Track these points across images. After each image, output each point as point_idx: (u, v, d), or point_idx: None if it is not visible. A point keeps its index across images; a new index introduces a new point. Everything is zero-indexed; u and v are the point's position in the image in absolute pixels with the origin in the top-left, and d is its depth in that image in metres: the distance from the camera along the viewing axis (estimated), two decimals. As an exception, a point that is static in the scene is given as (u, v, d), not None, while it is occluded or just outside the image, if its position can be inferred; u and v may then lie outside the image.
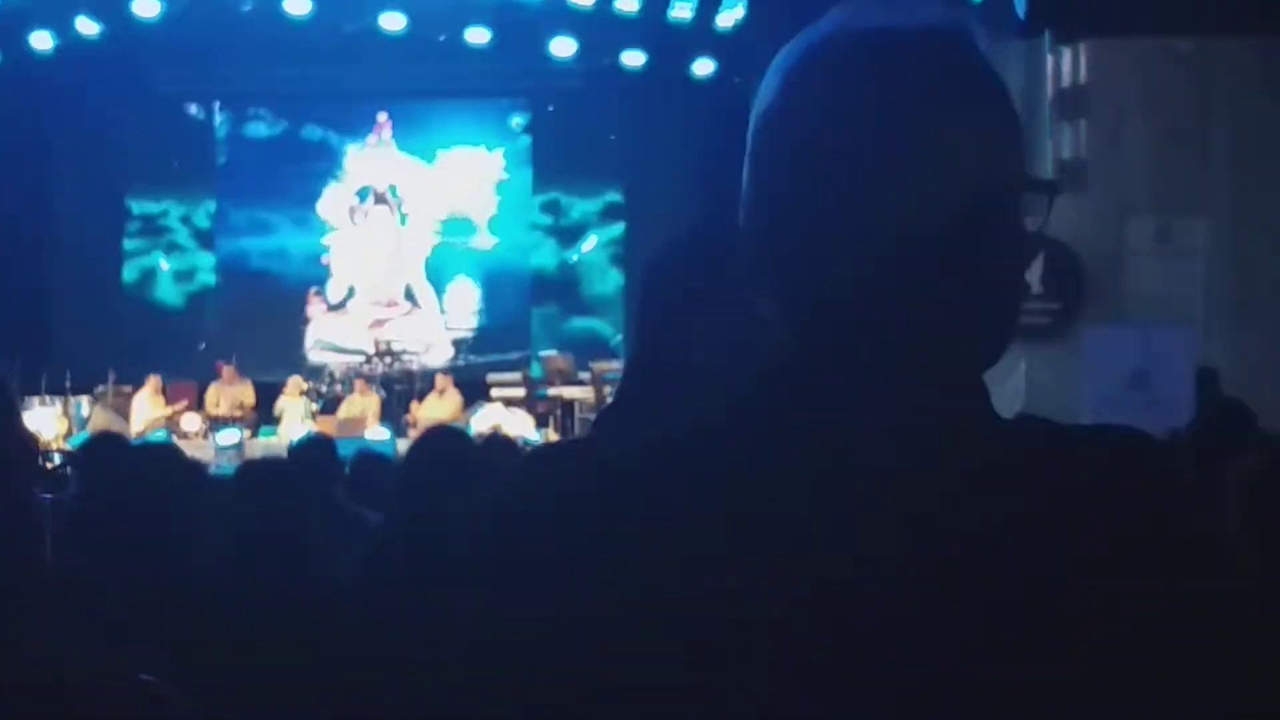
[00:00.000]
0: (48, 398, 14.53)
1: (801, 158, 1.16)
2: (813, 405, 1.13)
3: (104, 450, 4.64)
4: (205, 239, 18.56)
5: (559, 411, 14.98)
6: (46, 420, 13.87)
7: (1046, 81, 13.02)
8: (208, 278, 18.56)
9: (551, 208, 18.51)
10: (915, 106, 1.15)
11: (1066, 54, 13.09)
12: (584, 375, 15.12)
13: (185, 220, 18.60)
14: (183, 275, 18.62)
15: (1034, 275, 13.21)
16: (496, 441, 6.59)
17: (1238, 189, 13.48)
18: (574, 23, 15.93)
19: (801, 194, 1.16)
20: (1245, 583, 1.17)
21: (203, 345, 15.83)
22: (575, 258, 18.34)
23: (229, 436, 14.37)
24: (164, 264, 18.49)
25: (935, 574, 1.07)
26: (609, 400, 11.15)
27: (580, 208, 18.45)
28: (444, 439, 4.72)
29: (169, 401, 15.48)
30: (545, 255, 18.47)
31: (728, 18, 15.36)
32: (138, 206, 18.57)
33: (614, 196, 18.25)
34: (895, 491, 1.09)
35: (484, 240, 18.40)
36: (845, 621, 1.06)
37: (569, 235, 18.44)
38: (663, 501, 1.12)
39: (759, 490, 1.11)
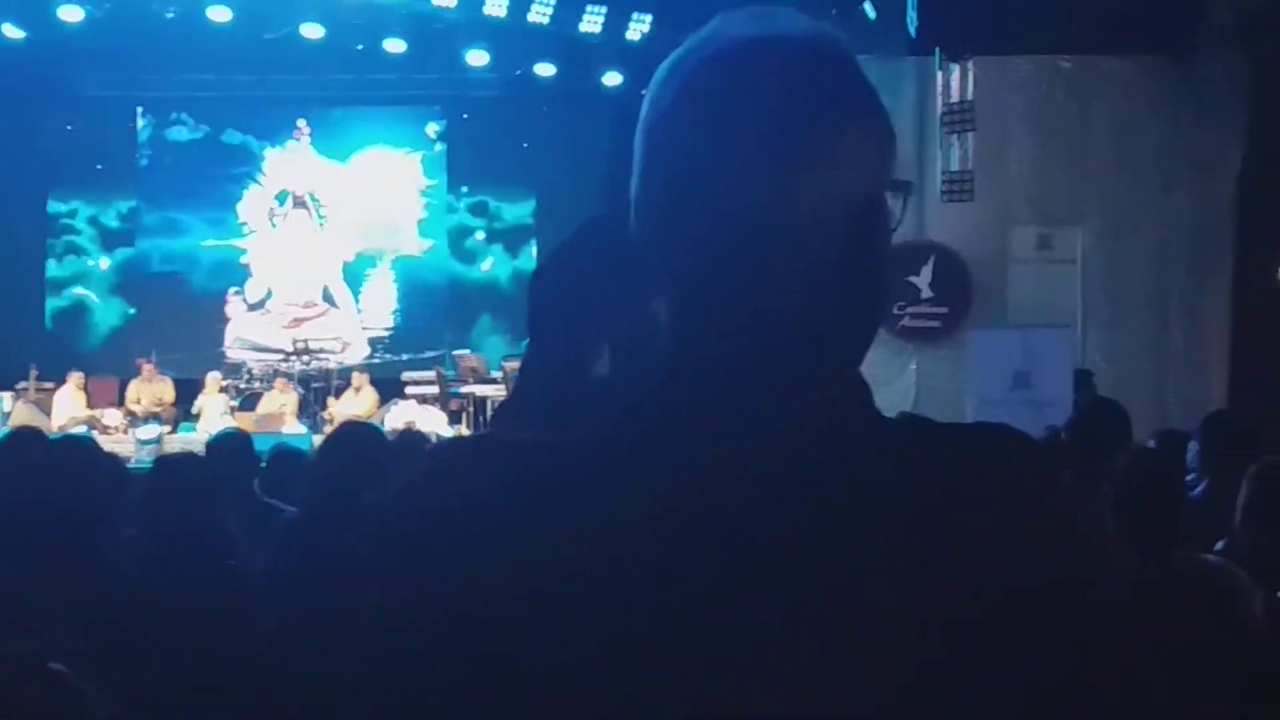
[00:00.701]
0: (-29, 393, 14.35)
1: (684, 159, 1.17)
2: (701, 404, 1.13)
3: (24, 444, 4.58)
4: (128, 239, 18.34)
5: (471, 409, 14.93)
6: (-33, 415, 13.69)
7: (936, 97, 13.14)
8: (130, 278, 18.35)
9: (466, 212, 18.46)
10: (787, 109, 1.16)
11: (955, 71, 13.22)
12: (496, 374, 15.09)
13: (108, 221, 18.37)
14: (106, 275, 18.39)
15: (924, 281, 13.39)
16: (410, 437, 6.56)
17: (1114, 200, 13.67)
18: (488, 34, 15.91)
19: (682, 193, 1.16)
20: (1119, 572, 1.18)
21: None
22: (485, 267, 18.31)
23: (148, 431, 14.21)
24: (102, 263, 18.27)
25: (817, 567, 1.07)
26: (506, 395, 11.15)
27: (496, 213, 18.42)
28: (355, 435, 4.70)
29: (90, 398, 15.30)
30: (461, 259, 18.40)
31: (635, 30, 15.40)
32: (61, 207, 18.32)
33: (529, 205, 18.23)
34: (781, 487, 1.09)
35: (400, 243, 18.32)
36: (731, 613, 1.07)
37: (485, 239, 18.39)
38: (554, 496, 1.12)
39: (649, 486, 1.11)
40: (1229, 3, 12.48)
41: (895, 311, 13.20)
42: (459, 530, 1.13)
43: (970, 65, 13.21)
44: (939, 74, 13.18)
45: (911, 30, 13.45)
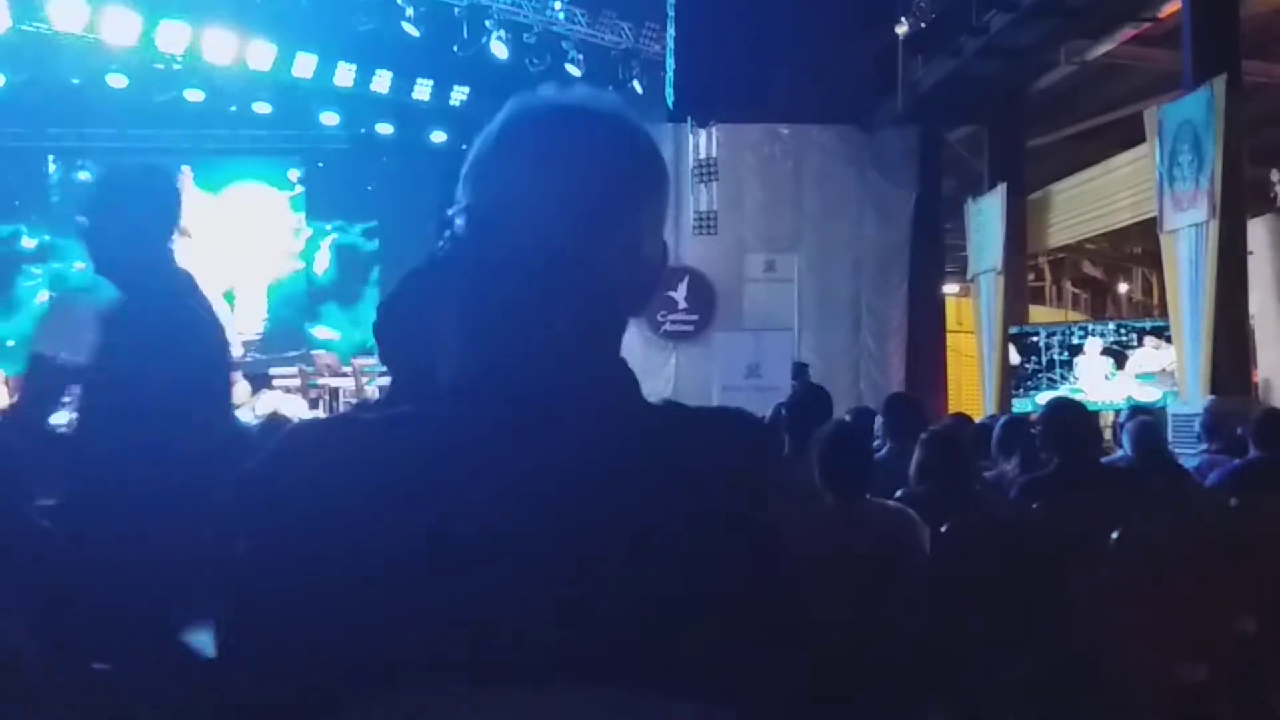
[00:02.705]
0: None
1: (495, 194, 1.16)
2: (504, 391, 1.12)
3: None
4: (40, 262, 17.57)
5: (327, 397, 14.63)
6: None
7: (688, 154, 13.26)
8: (43, 293, 17.57)
9: (322, 239, 18.10)
10: (583, 163, 1.16)
11: (703, 134, 13.36)
12: (347, 369, 14.80)
13: (22, 247, 17.57)
14: (23, 290, 17.58)
15: (680, 295, 13.51)
16: (275, 420, 6.39)
17: (821, 234, 13.95)
18: (338, 99, 15.65)
19: (492, 221, 1.15)
20: (823, 515, 1.21)
21: None
22: (323, 274, 17.95)
23: (59, 418, 13.57)
24: (13, 280, 17.43)
25: (601, 525, 1.07)
26: (368, 391, 10.92)
27: (346, 241, 18.09)
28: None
29: (9, 392, 14.58)
30: (318, 276, 18.02)
31: (457, 98, 15.28)
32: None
33: (374, 236, 17.93)
34: (569, 453, 1.09)
35: (269, 263, 17.87)
36: (523, 553, 1.06)
37: (337, 261, 18.05)
38: (385, 458, 1.10)
39: (462, 451, 1.09)
40: (904, 90, 12.88)
41: (659, 319, 13.31)
42: (314, 489, 1.10)
43: (714, 130, 13.38)
44: (690, 136, 13.31)
45: (669, 103, 13.59)
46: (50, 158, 17.52)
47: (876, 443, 5.52)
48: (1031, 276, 16.15)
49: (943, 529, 3.82)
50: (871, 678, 3.48)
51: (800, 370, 11.58)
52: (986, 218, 13.04)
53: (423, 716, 1.02)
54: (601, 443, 1.11)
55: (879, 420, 5.90)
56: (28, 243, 17.65)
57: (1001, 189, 12.68)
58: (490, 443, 1.09)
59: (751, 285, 13.82)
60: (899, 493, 4.31)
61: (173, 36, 14.06)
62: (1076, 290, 20.49)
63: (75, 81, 15.00)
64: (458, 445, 1.09)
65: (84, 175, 17.37)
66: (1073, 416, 4.60)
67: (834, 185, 13.87)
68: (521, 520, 1.06)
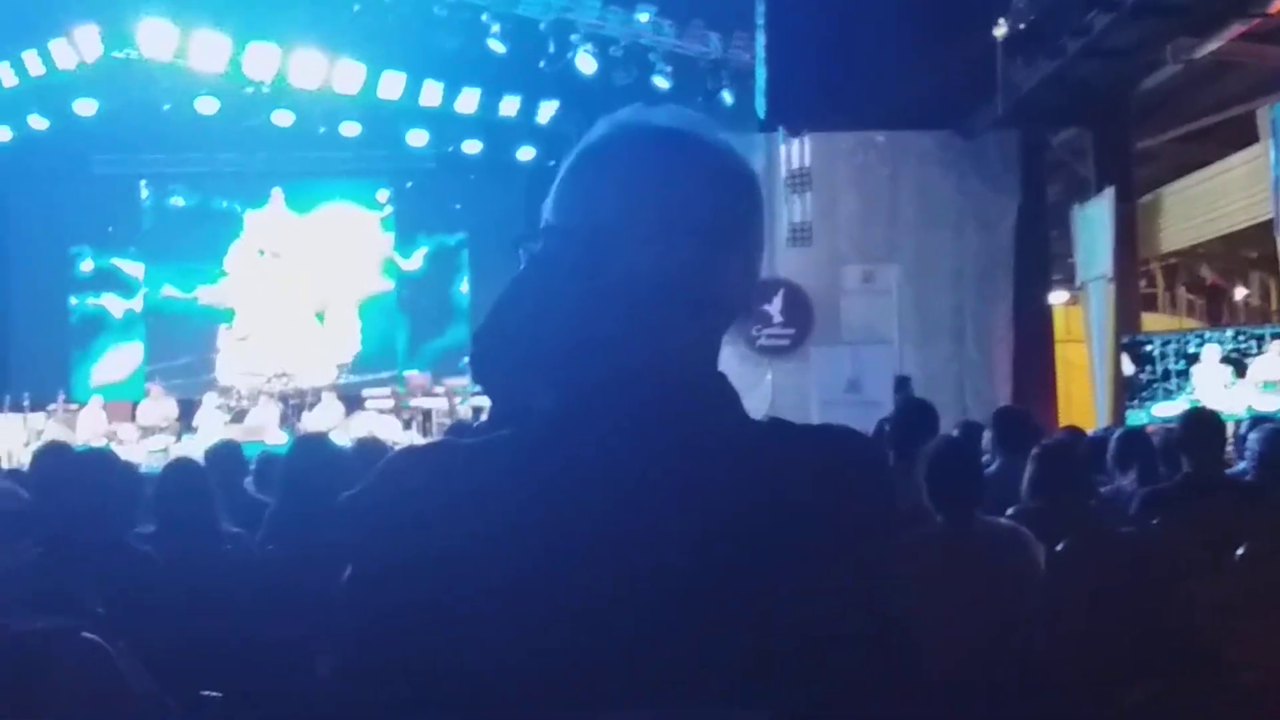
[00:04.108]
0: (10, 414, 13.96)
1: (584, 216, 1.17)
2: (608, 413, 1.13)
3: (56, 455, 4.46)
4: (136, 287, 18.04)
5: (420, 418, 14.81)
6: (9, 432, 13.29)
7: (780, 164, 13.21)
8: (138, 318, 18.04)
9: (412, 258, 18.34)
10: (680, 183, 1.16)
11: (795, 144, 13.31)
12: (439, 390, 14.97)
13: (119, 272, 18.05)
14: (118, 316, 18.06)
15: (775, 308, 13.45)
16: (369, 443, 6.47)
17: (919, 244, 13.81)
18: (425, 118, 15.85)
19: (580, 246, 1.16)
20: (932, 536, 1.19)
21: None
22: (413, 293, 18.15)
23: (157, 443, 13.92)
24: (115, 306, 17.93)
25: (707, 547, 1.07)
26: (460, 411, 11.05)
27: (436, 259, 18.31)
28: (309, 445, 4.65)
29: (109, 416, 14.98)
30: (409, 296, 18.25)
31: (544, 114, 15.40)
32: (81, 262, 17.97)
33: (463, 253, 18.13)
34: (678, 472, 1.09)
35: (361, 284, 18.15)
36: (640, 571, 1.06)
37: (428, 281, 18.26)
38: (485, 484, 1.11)
39: (568, 472, 1.10)
40: (1004, 94, 12.71)
41: (753, 333, 13.27)
42: (418, 514, 1.12)
43: (806, 140, 13.31)
44: (782, 146, 13.26)
45: (760, 113, 13.55)
46: (142, 183, 18.01)
47: (986, 458, 5.44)
48: (1143, 283, 15.82)
49: (1059, 547, 3.75)
50: (986, 702, 3.43)
51: (902, 384, 11.45)
52: (1094, 223, 12.82)
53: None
54: (706, 462, 1.11)
55: (988, 435, 5.82)
56: (121, 266, 18.12)
57: (1109, 193, 12.45)
58: (592, 465, 1.10)
59: (849, 297, 13.71)
60: (1011, 510, 4.24)
61: (261, 60, 14.36)
62: (1191, 296, 20.02)
63: (166, 107, 15.41)
64: (559, 468, 1.10)
65: (177, 200, 17.85)
66: (1210, 427, 4.51)
67: (932, 193, 13.73)
68: (625, 542, 1.06)
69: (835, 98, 12.88)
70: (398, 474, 1.16)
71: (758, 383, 13.24)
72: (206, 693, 3.05)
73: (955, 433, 6.06)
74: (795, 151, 13.25)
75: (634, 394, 1.12)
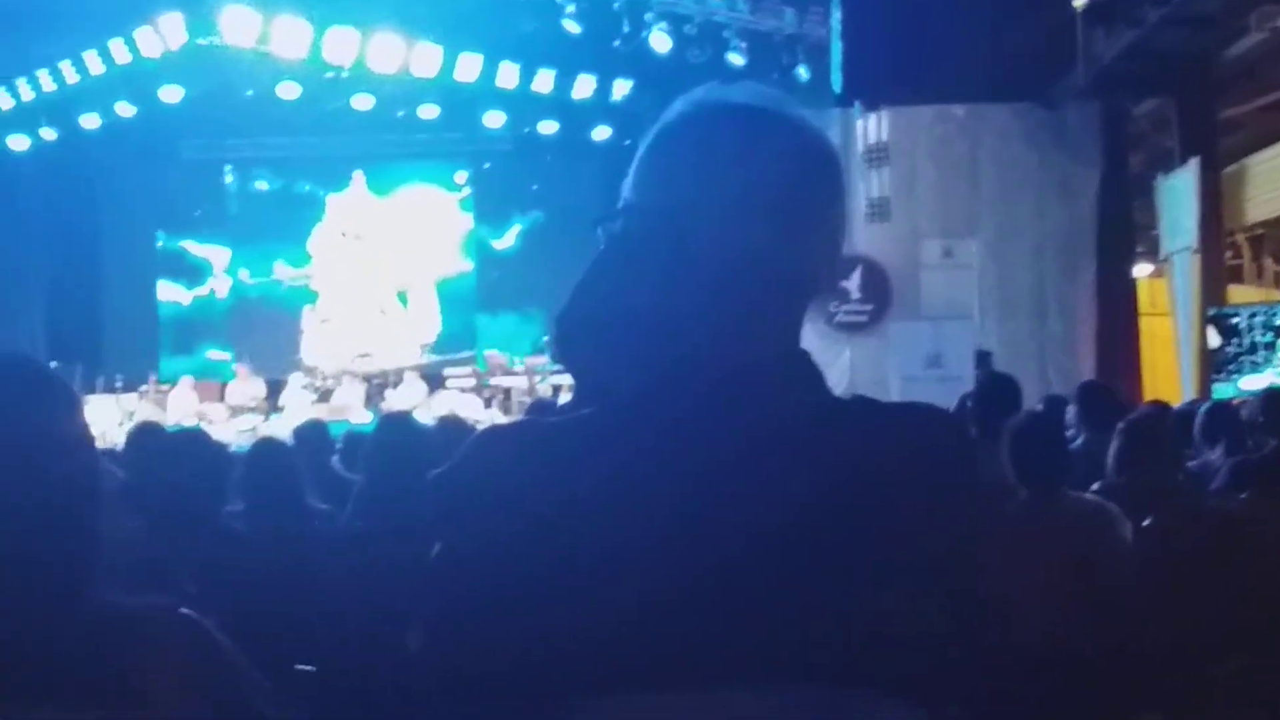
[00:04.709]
0: (104, 396, 14.26)
1: (666, 195, 1.16)
2: (695, 389, 1.12)
3: (149, 435, 4.55)
4: (222, 269, 18.34)
5: (501, 396, 14.92)
6: (103, 413, 13.58)
7: (857, 139, 13.10)
8: (226, 299, 18.36)
9: (491, 238, 18.44)
10: (763, 161, 1.16)
11: (872, 118, 13.19)
12: (519, 368, 15.06)
13: (206, 256, 18.37)
14: (205, 298, 18.39)
15: (854, 284, 13.36)
16: (451, 421, 6.53)
17: (1000, 217, 13.65)
18: (502, 100, 15.90)
19: (662, 224, 1.15)
20: (1017, 511, 1.18)
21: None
22: (492, 273, 18.23)
23: (245, 422, 14.16)
24: (202, 289, 18.27)
25: (791, 524, 1.06)
26: (540, 390, 11.09)
27: (513, 239, 18.39)
28: (394, 424, 4.70)
29: (199, 397, 15.26)
30: (488, 275, 18.36)
31: (619, 93, 15.39)
32: (169, 246, 18.31)
33: (539, 233, 18.19)
34: (758, 461, 1.09)
35: (441, 265, 18.30)
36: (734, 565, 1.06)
37: (506, 260, 18.34)
38: (571, 461, 1.12)
39: (652, 448, 1.10)
40: (1084, 64, 12.50)
41: (831, 310, 13.17)
42: (504, 492, 1.12)
43: (884, 114, 13.19)
44: (859, 121, 13.15)
45: (836, 88, 13.44)
46: (227, 168, 18.28)
47: (1070, 433, 5.37)
48: (1229, 254, 15.48)
49: (1146, 522, 3.70)
50: (1071, 677, 3.39)
51: (984, 359, 11.33)
52: (1178, 194, 12.57)
53: (612, 716, 1.03)
54: (790, 440, 1.10)
55: (1071, 409, 5.75)
56: (209, 249, 18.44)
57: (1194, 164, 12.20)
58: (675, 443, 1.09)
59: (928, 272, 13.57)
60: (1096, 485, 4.20)
61: (340, 45, 14.49)
62: (1278, 268, 19.58)
63: (249, 93, 15.60)
64: (643, 446, 1.10)
65: (261, 185, 18.12)
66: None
67: (1013, 166, 13.54)
68: (709, 520, 1.06)
69: (912, 71, 12.74)
70: (484, 452, 1.17)
71: (836, 359, 13.16)
72: (300, 667, 3.11)
73: (1039, 408, 5.99)
74: (872, 126, 13.13)
75: (716, 372, 1.12)
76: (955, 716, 1.08)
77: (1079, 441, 5.20)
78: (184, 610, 1.40)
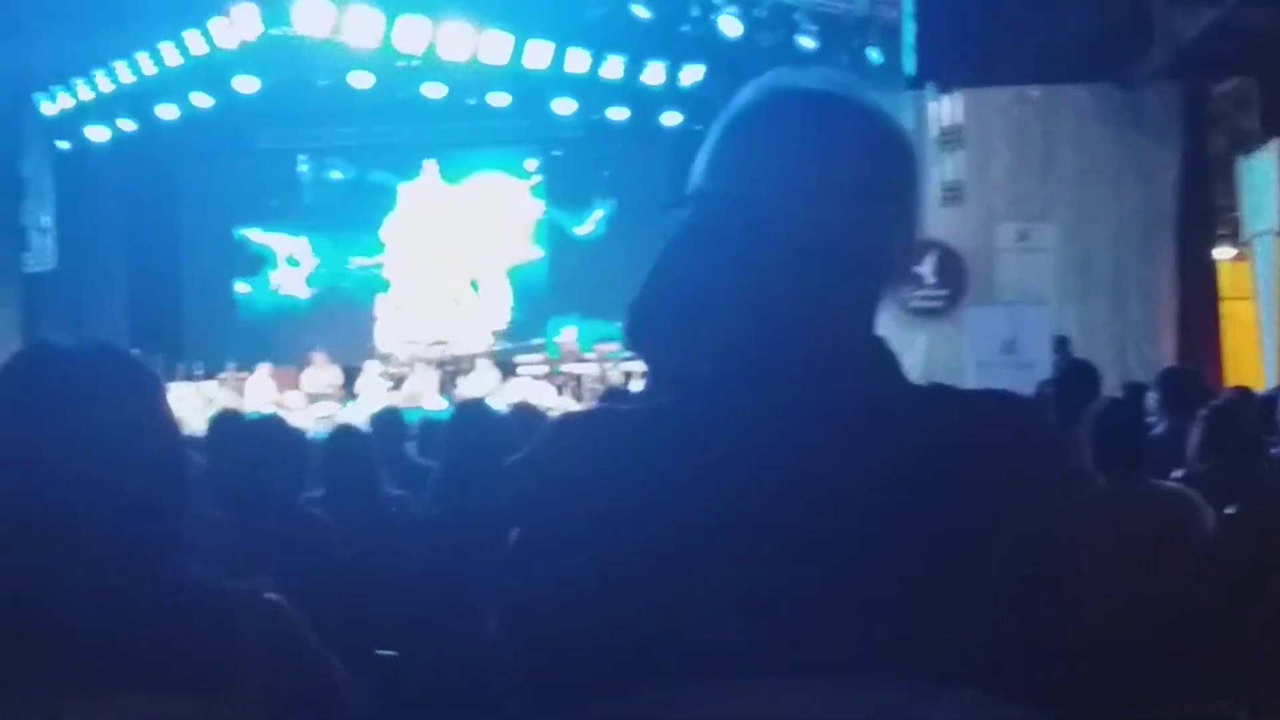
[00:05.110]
0: (183, 383, 14.51)
1: (741, 181, 1.16)
2: (772, 373, 1.12)
3: (229, 422, 4.63)
4: (297, 258, 18.57)
5: (572, 383, 15.00)
6: (183, 400, 13.82)
7: (931, 122, 12.99)
8: (301, 288, 18.58)
9: (561, 226, 18.48)
10: (840, 146, 1.15)
11: (945, 100, 13.08)
12: (590, 355, 15.12)
13: (281, 245, 18.60)
14: (282, 286, 18.62)
15: (928, 270, 13.25)
16: (524, 408, 6.58)
17: (1077, 200, 13.48)
18: (572, 87, 15.91)
19: (738, 211, 1.15)
20: (1096, 499, 1.17)
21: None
22: (563, 259, 18.27)
23: (322, 409, 14.34)
24: (278, 278, 18.52)
25: (869, 511, 1.06)
26: (612, 377, 11.12)
27: (583, 226, 18.42)
28: (469, 410, 4.74)
29: (276, 384, 15.48)
30: (559, 261, 18.40)
31: (689, 79, 15.34)
32: (245, 235, 18.57)
33: (609, 219, 18.21)
34: (835, 447, 1.09)
35: (513, 252, 18.38)
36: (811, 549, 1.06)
37: (577, 248, 18.37)
38: (647, 448, 1.12)
39: (723, 456, 1.10)
40: (1163, 43, 12.28)
41: (905, 295, 13.08)
42: (580, 479, 1.13)
43: (957, 96, 13.07)
44: (932, 104, 13.03)
45: (909, 70, 13.31)
46: (301, 157, 18.49)
47: (1151, 420, 5.31)
48: (1314, 236, 15.16)
49: (1228, 510, 3.63)
50: (1149, 666, 3.35)
51: (1062, 345, 11.19)
52: (1261, 176, 12.32)
53: (679, 708, 1.04)
54: (866, 425, 1.10)
55: (1152, 396, 5.67)
56: (284, 238, 18.66)
57: (1275, 144, 11.94)
58: (750, 430, 1.10)
59: (1004, 256, 13.43)
60: (1178, 473, 4.14)
61: (412, 34, 14.59)
62: (1366, 249, 19.11)
63: (322, 83, 15.76)
64: (718, 433, 1.10)
65: (334, 174, 18.31)
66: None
67: (1090, 148, 13.36)
68: (785, 506, 1.06)
69: (987, 52, 12.58)
70: (562, 439, 1.18)
71: (910, 346, 13.06)
72: (381, 652, 3.15)
73: (1118, 394, 5.92)
74: (946, 109, 13.01)
75: (791, 358, 1.12)
76: (1034, 704, 1.07)
77: (1160, 428, 5.13)
78: (269, 595, 1.42)
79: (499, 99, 16.24)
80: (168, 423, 1.43)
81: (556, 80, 15.67)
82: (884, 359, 1.16)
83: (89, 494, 1.29)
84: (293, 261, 18.61)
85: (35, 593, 1.24)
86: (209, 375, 15.24)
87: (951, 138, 12.98)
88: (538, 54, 15.06)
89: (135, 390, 1.40)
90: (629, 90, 15.92)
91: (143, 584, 1.30)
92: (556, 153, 18.24)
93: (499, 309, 18.25)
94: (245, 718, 1.27)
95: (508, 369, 15.66)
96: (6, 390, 1.37)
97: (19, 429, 1.32)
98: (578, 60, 15.24)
